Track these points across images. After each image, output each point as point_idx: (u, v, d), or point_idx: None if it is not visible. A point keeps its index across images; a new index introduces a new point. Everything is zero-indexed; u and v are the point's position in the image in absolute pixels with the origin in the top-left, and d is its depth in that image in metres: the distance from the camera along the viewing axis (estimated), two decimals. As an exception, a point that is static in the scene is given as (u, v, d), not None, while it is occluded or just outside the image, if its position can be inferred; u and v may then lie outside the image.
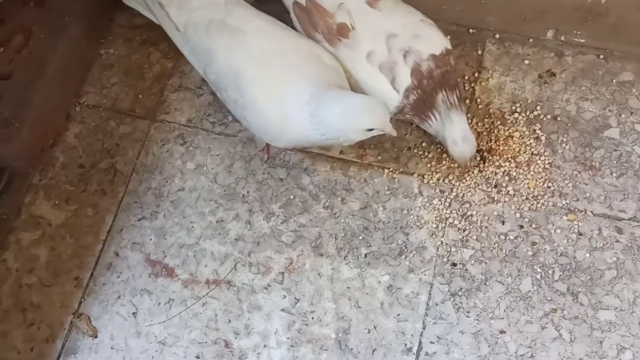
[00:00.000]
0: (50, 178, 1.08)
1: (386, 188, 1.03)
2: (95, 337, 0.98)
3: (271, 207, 1.04)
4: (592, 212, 0.99)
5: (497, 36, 1.11)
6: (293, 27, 1.00)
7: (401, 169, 1.04)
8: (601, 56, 1.09)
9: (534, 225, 0.99)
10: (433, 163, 1.04)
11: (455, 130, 0.95)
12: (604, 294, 0.94)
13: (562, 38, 1.09)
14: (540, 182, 1.01)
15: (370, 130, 0.89)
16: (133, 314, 0.99)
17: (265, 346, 0.95)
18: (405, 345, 0.94)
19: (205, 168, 1.07)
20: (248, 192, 1.05)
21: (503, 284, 0.96)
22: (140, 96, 1.13)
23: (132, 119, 1.12)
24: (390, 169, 1.04)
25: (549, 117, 1.05)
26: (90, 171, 1.08)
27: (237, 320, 0.97)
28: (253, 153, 1.07)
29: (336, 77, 0.94)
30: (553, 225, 0.99)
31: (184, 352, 0.96)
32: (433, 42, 0.96)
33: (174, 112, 1.12)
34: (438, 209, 1.01)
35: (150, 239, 1.03)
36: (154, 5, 0.99)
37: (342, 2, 0.96)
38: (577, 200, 1.00)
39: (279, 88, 0.91)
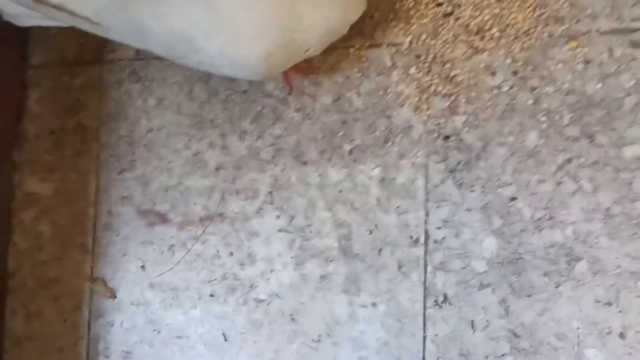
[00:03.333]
0: (29, 152, 1.06)
1: (356, 70, 0.90)
2: (115, 297, 0.99)
3: (242, 125, 0.95)
4: (597, 31, 0.82)
5: None
6: None
7: (368, 43, 0.90)
8: None
9: (530, 67, 0.84)
10: (401, 25, 0.89)
11: None
12: (627, 127, 0.80)
13: None
14: (529, 12, 0.84)
15: None
16: (141, 267, 0.98)
17: (272, 270, 0.92)
18: (412, 237, 0.87)
19: (166, 101, 0.99)
20: (215, 114, 0.97)
21: (505, 145, 0.84)
22: (82, 40, 1.04)
23: (82, 67, 1.04)
24: (356, 46, 0.90)
25: None
26: (61, 134, 1.04)
27: (239, 251, 0.94)
28: (209, 70, 0.97)
29: None
30: (553, 60, 0.83)
31: (198, 293, 0.95)
32: None
33: (120, 47, 1.02)
34: (417, 78, 0.88)
35: (136, 190, 0.99)
36: (50, 12, 0.81)
37: None
38: (578, 21, 0.82)
39: (246, 23, 0.76)
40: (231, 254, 0.94)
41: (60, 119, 1.04)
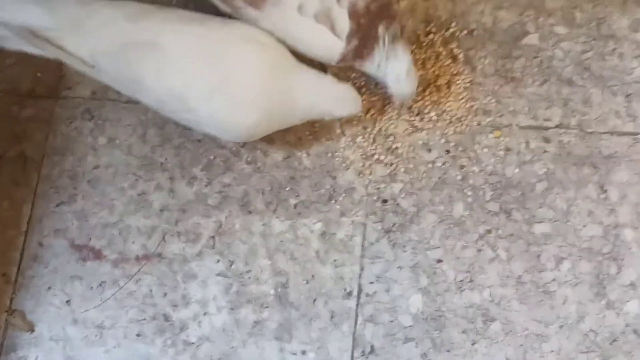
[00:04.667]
0: (-41, 176, 1.03)
1: (308, 133, 0.99)
2: (33, 331, 0.96)
3: (193, 171, 0.99)
4: (517, 125, 0.96)
5: (403, -47, 1.05)
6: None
7: (320, 111, 0.99)
8: (512, -41, 1.03)
9: (460, 148, 0.96)
10: (352, 99, 0.99)
11: (400, 65, 0.88)
12: (537, 207, 0.93)
13: (469, -54, 1.03)
14: (462, 103, 0.98)
15: None
16: (67, 302, 0.96)
17: (205, 314, 0.94)
18: (345, 289, 0.92)
19: (117, 141, 1.02)
20: (166, 159, 1.00)
21: (435, 213, 0.94)
22: (39, 74, 1.06)
23: (34, 100, 1.06)
24: (309, 112, 0.99)
25: (464, 32, 1.01)
26: (0, 162, 1.03)
27: (173, 292, 0.95)
28: (166, 118, 1.02)
29: (282, 52, 0.86)
30: (479, 144, 0.96)
31: (124, 332, 0.94)
32: None
33: (77, 86, 1.05)
34: (362, 146, 0.98)
35: (73, 223, 0.99)
36: (42, 44, 0.84)
37: None
38: (502, 115, 0.97)
39: (240, 92, 0.83)
40: (165, 294, 0.95)
41: (2, 146, 1.03)
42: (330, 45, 0.87)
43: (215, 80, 0.82)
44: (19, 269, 0.98)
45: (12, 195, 1.01)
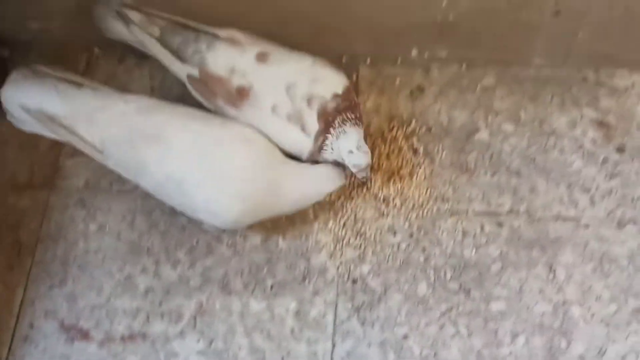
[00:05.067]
0: (-44, 262, 1.09)
1: (284, 218, 1.08)
2: (20, 410, 0.99)
3: (177, 255, 1.07)
4: (473, 211, 1.06)
5: (368, 61, 1.19)
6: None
7: (295, 199, 1.09)
8: (463, 66, 1.17)
9: (422, 232, 1.06)
10: (324, 188, 1.10)
11: (350, 140, 0.95)
12: (493, 286, 1.01)
13: (426, 54, 1.17)
14: (423, 191, 1.08)
15: None
16: (54, 381, 1.01)
17: (186, 391, 0.99)
18: (319, 366, 0.99)
19: (107, 228, 1.10)
20: (152, 244, 1.08)
21: (401, 292, 1.02)
22: (36, 167, 1.16)
23: (30, 191, 1.14)
24: (285, 200, 1.09)
25: (424, 129, 1.13)
26: (-4, 248, 1.10)
27: (156, 370, 1.00)
28: (153, 206, 1.11)
29: (273, 151, 0.97)
30: (439, 229, 1.06)
31: (108, 410, 0.98)
32: (333, 81, 0.97)
33: (71, 177, 1.14)
34: (334, 230, 1.07)
35: (63, 305, 1.05)
36: (58, 130, 0.95)
37: (233, 67, 0.97)
38: (459, 202, 1.07)
39: (233, 183, 0.93)
40: (148, 372, 1.00)
41: (-2, 234, 1.11)
42: (300, 142, 0.98)
43: (208, 172, 0.93)
44: (9, 349, 1.03)
45: (6, 279, 1.07)
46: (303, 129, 0.96)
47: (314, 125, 0.96)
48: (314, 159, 1.00)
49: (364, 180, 1.04)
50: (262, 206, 0.96)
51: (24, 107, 0.96)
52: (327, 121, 0.96)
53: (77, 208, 1.12)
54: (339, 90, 0.96)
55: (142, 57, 1.21)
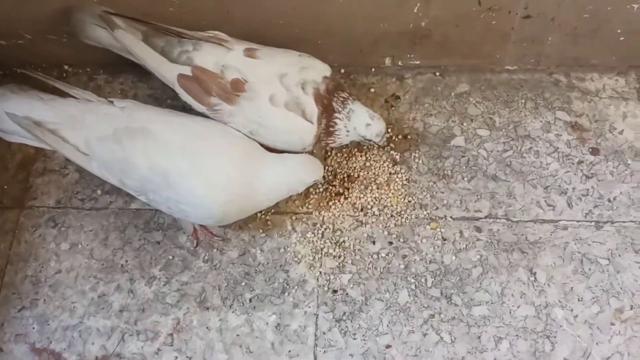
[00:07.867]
0: None
1: (261, 231, 1.06)
2: None
3: (152, 271, 1.05)
4: (451, 217, 1.06)
5: (343, 71, 1.19)
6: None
7: (272, 210, 1.08)
8: (437, 73, 1.17)
9: (402, 240, 1.04)
10: (301, 199, 1.08)
11: (362, 115, 0.99)
12: (475, 291, 1.00)
13: (400, 63, 1.17)
14: (401, 199, 1.07)
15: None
16: (25, 407, 0.97)
17: (164, 411, 0.95)
18: (300, 379, 0.96)
19: (80, 246, 1.07)
20: (127, 261, 1.06)
21: (382, 301, 1.00)
22: (6, 187, 1.13)
23: (0, 211, 1.11)
24: (262, 212, 1.07)
25: (400, 137, 1.12)
26: (-37, 271, 1.06)
27: (133, 391, 0.97)
28: (127, 222, 1.08)
29: (252, 144, 0.98)
30: (419, 236, 1.05)
31: None
32: (319, 67, 1.01)
33: (42, 196, 1.12)
34: (312, 241, 1.05)
35: (33, 328, 1.02)
36: (43, 134, 0.95)
37: (224, 64, 0.98)
38: (437, 208, 1.07)
39: (216, 173, 0.93)
40: (124, 394, 0.97)
41: (-35, 256, 1.07)
42: (304, 128, 0.98)
43: (193, 162, 0.93)
44: (-23, 376, 0.99)
45: (-27, 303, 1.04)
46: (304, 114, 0.97)
47: (313, 109, 0.97)
48: (321, 144, 1.01)
49: (384, 144, 1.06)
50: (244, 196, 0.95)
51: (11, 115, 0.96)
52: (324, 104, 0.98)
53: (48, 227, 1.09)
54: (327, 74, 1.00)
55: (114, 72, 1.20)
